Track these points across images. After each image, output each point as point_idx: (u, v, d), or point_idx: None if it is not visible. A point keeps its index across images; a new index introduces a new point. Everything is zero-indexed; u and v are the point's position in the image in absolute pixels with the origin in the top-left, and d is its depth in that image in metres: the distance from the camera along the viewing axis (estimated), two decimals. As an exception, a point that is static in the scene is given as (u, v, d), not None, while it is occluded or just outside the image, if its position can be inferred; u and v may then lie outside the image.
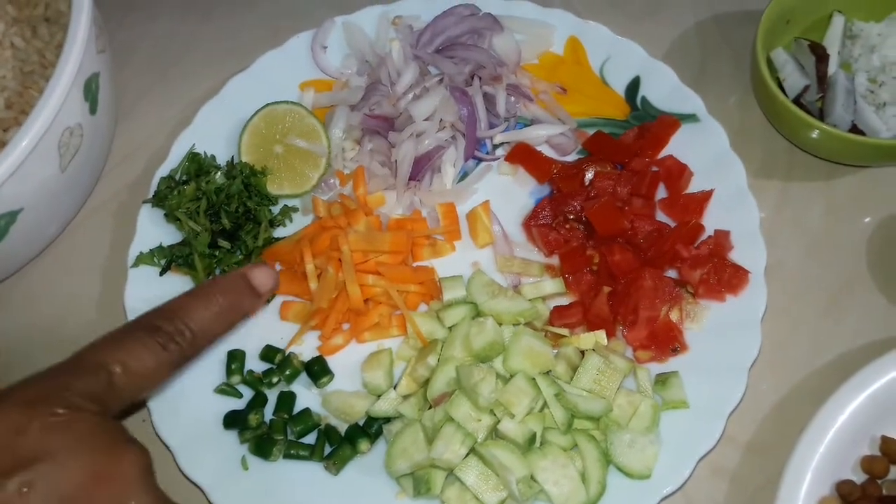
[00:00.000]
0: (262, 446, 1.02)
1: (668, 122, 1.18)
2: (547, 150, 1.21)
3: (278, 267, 1.15)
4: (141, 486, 0.69)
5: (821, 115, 1.17)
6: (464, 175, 1.22)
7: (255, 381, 1.07)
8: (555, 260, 1.14)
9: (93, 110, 1.10)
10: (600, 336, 1.05)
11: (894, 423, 0.98)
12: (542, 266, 1.13)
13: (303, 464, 1.03)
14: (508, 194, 1.19)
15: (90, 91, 1.08)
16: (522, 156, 1.20)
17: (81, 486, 0.65)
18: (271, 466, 1.02)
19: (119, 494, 0.67)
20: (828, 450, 0.95)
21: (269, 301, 1.12)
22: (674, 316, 1.07)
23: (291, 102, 1.22)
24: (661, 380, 1.02)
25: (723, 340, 1.04)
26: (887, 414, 0.97)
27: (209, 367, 1.08)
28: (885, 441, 0.96)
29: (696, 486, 1.01)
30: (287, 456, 1.02)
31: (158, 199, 1.15)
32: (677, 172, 1.15)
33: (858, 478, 0.96)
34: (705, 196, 1.13)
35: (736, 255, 1.09)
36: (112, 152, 1.28)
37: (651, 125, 1.19)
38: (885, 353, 0.99)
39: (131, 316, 1.10)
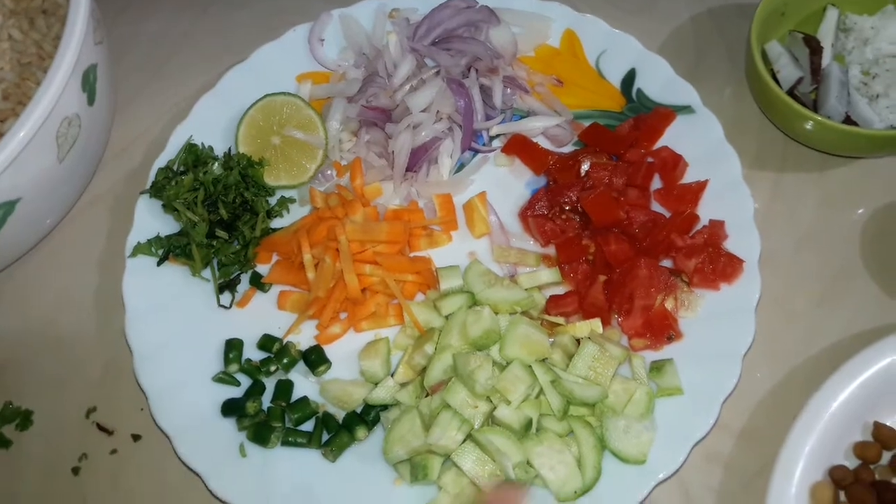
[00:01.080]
0: (260, 433, 1.02)
1: (664, 114, 1.19)
2: (543, 142, 1.22)
3: (275, 257, 1.15)
4: None
5: (815, 107, 1.18)
6: (460, 166, 1.23)
7: (252, 370, 1.08)
8: (551, 250, 1.14)
9: (91, 101, 1.10)
10: (596, 324, 1.05)
11: (886, 409, 0.99)
12: (538, 256, 1.14)
13: (300, 451, 1.03)
14: (505, 185, 1.20)
15: (88, 82, 1.08)
16: (519, 147, 1.20)
17: None
18: (269, 453, 1.03)
19: None
20: (821, 436, 0.96)
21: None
22: (669, 304, 1.07)
23: (289, 94, 1.22)
24: (656, 367, 1.03)
25: (717, 328, 1.05)
26: (880, 401, 0.98)
27: (207, 356, 1.09)
28: (878, 427, 0.97)
29: (690, 472, 1.02)
30: (285, 443, 1.03)
31: (156, 190, 1.16)
32: (672, 163, 1.15)
33: (851, 463, 0.97)
34: (700, 186, 1.14)
35: (730, 245, 1.09)
36: (110, 143, 1.29)
37: (646, 117, 1.20)
38: (878, 341, 1.00)
39: (129, 306, 1.10)
